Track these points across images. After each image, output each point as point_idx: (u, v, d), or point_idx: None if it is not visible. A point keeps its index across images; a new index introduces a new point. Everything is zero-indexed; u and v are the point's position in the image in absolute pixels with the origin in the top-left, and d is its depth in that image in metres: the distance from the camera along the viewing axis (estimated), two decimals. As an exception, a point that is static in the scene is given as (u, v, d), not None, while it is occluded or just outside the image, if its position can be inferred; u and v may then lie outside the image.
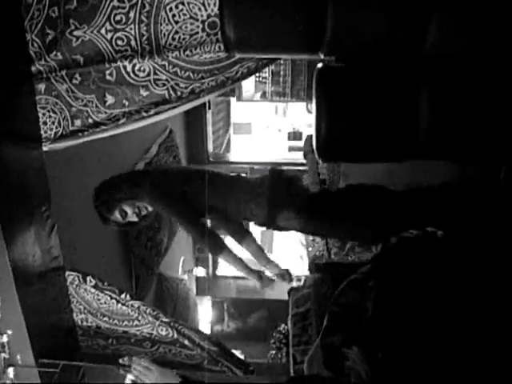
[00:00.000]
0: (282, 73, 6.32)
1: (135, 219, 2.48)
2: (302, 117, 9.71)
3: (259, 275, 2.55)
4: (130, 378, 1.92)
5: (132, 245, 3.63)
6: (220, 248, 2.44)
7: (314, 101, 1.79)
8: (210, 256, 7.22)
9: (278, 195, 2.36)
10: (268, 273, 2.66)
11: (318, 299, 2.99)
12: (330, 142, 1.77)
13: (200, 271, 6.63)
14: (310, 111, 7.45)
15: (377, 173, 2.67)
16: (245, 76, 1.99)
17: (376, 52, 1.62)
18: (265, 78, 6.36)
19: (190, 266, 6.45)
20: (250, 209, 2.40)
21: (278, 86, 6.37)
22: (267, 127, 12.08)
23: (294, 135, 9.51)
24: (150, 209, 2.50)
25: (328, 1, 1.53)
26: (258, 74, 6.39)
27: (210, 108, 6.39)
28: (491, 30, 1.51)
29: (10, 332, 1.93)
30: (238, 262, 2.48)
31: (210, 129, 6.75)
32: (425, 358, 1.43)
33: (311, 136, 1.91)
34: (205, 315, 6.46)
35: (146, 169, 2.55)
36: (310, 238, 5.55)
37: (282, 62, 6.31)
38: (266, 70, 6.33)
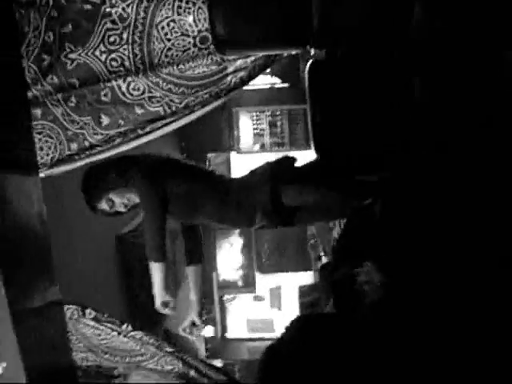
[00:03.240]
0: (278, 123, 6.42)
1: (123, 210, 2.40)
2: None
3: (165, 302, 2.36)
4: None
5: (137, 290, 3.53)
6: (159, 254, 2.27)
7: (307, 98, 1.81)
8: (218, 318, 7.06)
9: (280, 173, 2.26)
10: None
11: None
12: (324, 137, 1.77)
13: (208, 331, 6.41)
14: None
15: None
16: (238, 85, 2.02)
17: (363, 40, 1.64)
18: (262, 129, 6.46)
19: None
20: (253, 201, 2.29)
21: (276, 136, 6.46)
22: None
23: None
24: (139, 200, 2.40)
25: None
26: (255, 127, 6.49)
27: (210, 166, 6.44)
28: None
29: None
30: (163, 279, 2.28)
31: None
32: (439, 258, 1.35)
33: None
34: (215, 378, 6.14)
35: (136, 155, 2.43)
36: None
37: (278, 112, 6.43)
38: (264, 121, 6.44)
